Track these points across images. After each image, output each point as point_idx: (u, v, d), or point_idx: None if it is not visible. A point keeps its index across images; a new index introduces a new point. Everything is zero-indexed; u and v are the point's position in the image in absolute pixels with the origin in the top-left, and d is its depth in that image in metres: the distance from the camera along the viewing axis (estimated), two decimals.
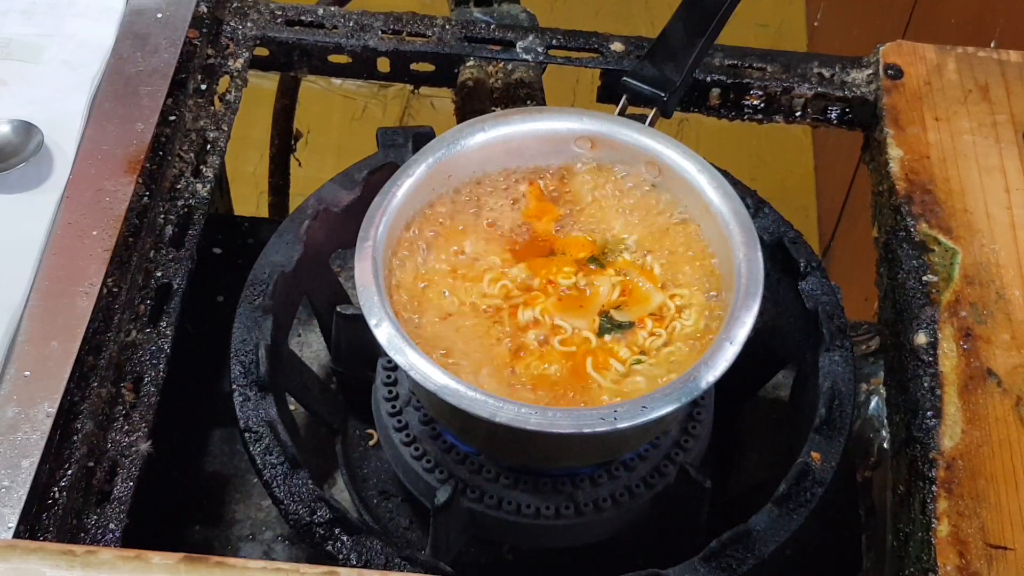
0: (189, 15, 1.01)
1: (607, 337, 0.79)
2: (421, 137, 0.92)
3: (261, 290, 0.87)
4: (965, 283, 0.88)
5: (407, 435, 0.86)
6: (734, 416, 0.95)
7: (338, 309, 0.88)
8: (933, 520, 0.77)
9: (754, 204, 0.92)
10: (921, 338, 0.85)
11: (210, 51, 1.03)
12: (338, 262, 1.00)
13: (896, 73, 1.01)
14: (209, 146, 0.97)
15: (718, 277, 0.81)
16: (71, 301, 0.83)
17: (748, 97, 1.05)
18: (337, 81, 2.06)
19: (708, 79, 1.04)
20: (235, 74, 1.02)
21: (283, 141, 1.36)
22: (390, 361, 0.84)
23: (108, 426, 0.81)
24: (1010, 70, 1.02)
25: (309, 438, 0.95)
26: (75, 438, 0.78)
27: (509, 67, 1.07)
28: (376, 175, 0.91)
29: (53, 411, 0.77)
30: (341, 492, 0.92)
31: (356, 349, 0.89)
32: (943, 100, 0.99)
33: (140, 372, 0.84)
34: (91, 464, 0.79)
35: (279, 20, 1.07)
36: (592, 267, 0.82)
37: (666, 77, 0.88)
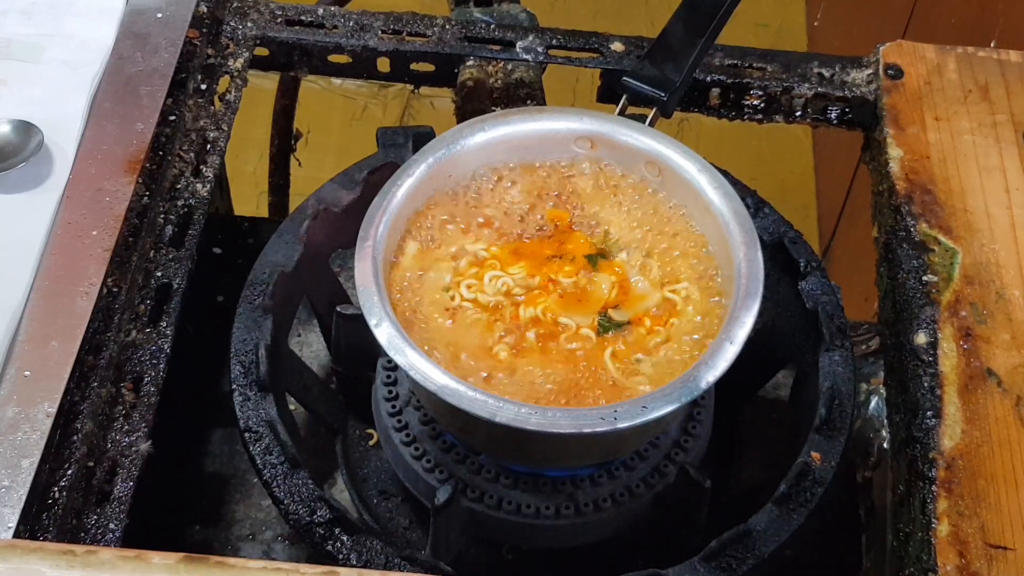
0: (189, 15, 1.01)
1: (606, 336, 0.79)
2: (421, 137, 0.92)
3: (261, 290, 0.87)
4: (965, 283, 0.88)
5: (407, 435, 0.86)
6: (734, 416, 0.95)
7: (338, 309, 0.88)
8: (933, 520, 0.77)
9: (754, 204, 0.92)
10: (921, 338, 0.85)
11: (210, 51, 1.03)
12: (338, 262, 1.00)
13: (896, 73, 1.01)
14: (209, 146, 0.97)
15: (718, 277, 0.81)
16: (71, 301, 0.83)
17: (748, 97, 1.05)
18: (337, 81, 2.06)
19: (708, 79, 1.04)
20: (235, 74, 1.02)
21: (283, 141, 1.36)
22: (390, 361, 0.84)
23: (108, 426, 0.81)
24: (1010, 70, 1.02)
25: (309, 438, 0.95)
26: (75, 438, 0.78)
27: (509, 67, 1.07)
28: (376, 175, 0.91)
29: (53, 411, 0.77)
30: (341, 492, 0.92)
31: (356, 349, 0.89)
32: (943, 100, 0.99)
33: (140, 372, 0.84)
34: (91, 464, 0.79)
35: (279, 20, 1.07)
36: (591, 266, 0.82)
37: (666, 77, 0.88)
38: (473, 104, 1.05)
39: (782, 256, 0.91)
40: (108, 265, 0.85)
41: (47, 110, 0.93)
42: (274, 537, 0.91)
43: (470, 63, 1.06)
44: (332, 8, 1.09)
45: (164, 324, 0.86)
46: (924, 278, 0.88)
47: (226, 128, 0.98)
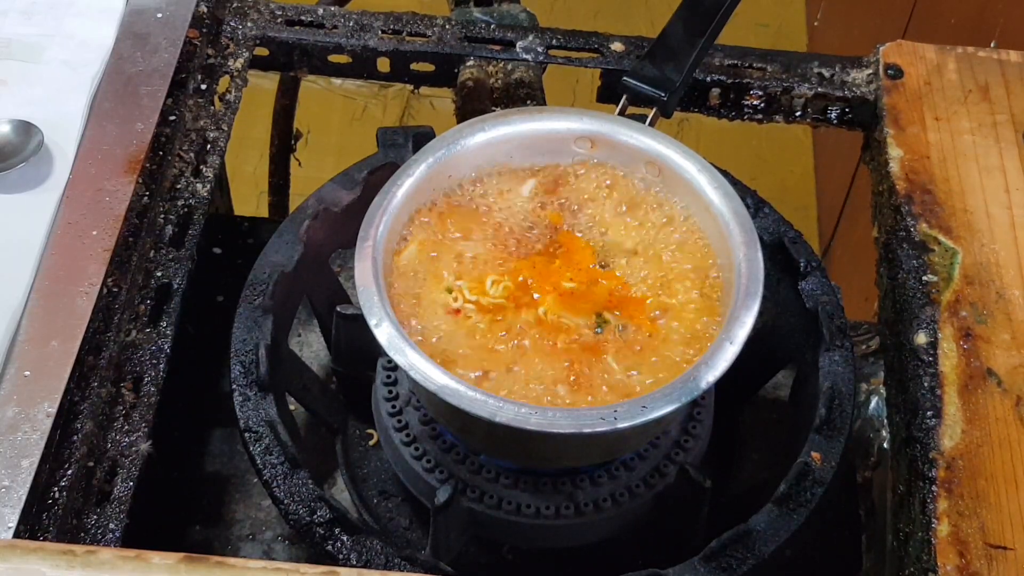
0: (189, 15, 1.01)
1: (606, 336, 0.79)
2: (421, 137, 0.92)
3: (261, 290, 0.87)
4: (965, 283, 0.88)
5: (407, 435, 0.86)
6: (734, 416, 0.95)
7: (338, 309, 0.88)
8: (933, 520, 0.77)
9: (754, 204, 0.92)
10: (921, 338, 0.85)
11: (210, 51, 1.03)
12: (338, 262, 1.00)
13: (896, 73, 1.01)
14: (209, 146, 0.97)
15: (718, 277, 0.81)
16: (71, 301, 0.83)
17: (748, 97, 1.05)
18: (337, 81, 2.05)
19: (708, 79, 1.04)
20: (235, 74, 1.02)
21: (283, 141, 1.36)
22: (390, 361, 0.84)
23: (108, 426, 0.81)
24: (1010, 70, 1.02)
25: (309, 438, 0.95)
26: (75, 438, 0.78)
27: (509, 67, 1.07)
28: (376, 175, 0.91)
29: (53, 411, 0.77)
30: (341, 492, 0.92)
31: (356, 349, 0.89)
32: (943, 100, 0.99)
33: (140, 372, 0.84)
34: (91, 464, 0.79)
35: (279, 20, 1.07)
36: (591, 267, 0.82)
37: (666, 77, 0.88)
38: (473, 104, 1.05)
39: (782, 256, 0.91)
40: (108, 265, 0.85)
41: (47, 110, 0.93)
42: (274, 537, 0.91)
43: (470, 63, 1.06)
44: (332, 8, 1.09)
45: (164, 324, 0.86)
46: (924, 278, 0.88)
47: (226, 128, 0.99)
